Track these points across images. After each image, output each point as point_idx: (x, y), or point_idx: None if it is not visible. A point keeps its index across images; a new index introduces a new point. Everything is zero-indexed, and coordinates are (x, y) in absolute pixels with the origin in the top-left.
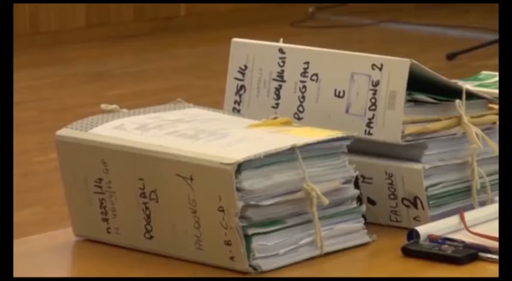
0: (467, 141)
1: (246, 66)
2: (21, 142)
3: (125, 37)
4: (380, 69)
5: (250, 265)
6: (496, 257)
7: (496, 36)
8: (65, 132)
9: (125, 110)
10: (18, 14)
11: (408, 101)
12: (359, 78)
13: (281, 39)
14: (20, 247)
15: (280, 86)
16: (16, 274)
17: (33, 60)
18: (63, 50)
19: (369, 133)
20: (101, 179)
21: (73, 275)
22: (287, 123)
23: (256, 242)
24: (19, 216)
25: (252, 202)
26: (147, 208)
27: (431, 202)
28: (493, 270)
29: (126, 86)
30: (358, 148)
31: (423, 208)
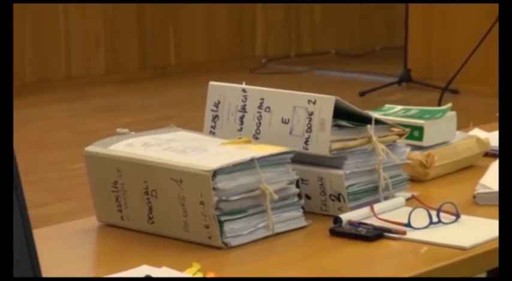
0: (375, 154)
1: (219, 102)
2: (59, 155)
3: (133, 81)
4: (314, 103)
5: (223, 242)
6: (396, 236)
7: (394, 79)
8: (91, 148)
9: (133, 133)
10: (55, 62)
11: (334, 125)
12: (299, 110)
13: (244, 82)
14: (59, 230)
15: (243, 115)
16: (53, 248)
17: (67, 97)
18: (87, 90)
19: (306, 149)
20: (116, 182)
21: (97, 249)
22: (248, 142)
23: (227, 226)
24: (57, 208)
25: (224, 198)
26: (149, 202)
27: (350, 197)
28: (394, 245)
29: (134, 116)
30: (299, 159)
31: (345, 201)
